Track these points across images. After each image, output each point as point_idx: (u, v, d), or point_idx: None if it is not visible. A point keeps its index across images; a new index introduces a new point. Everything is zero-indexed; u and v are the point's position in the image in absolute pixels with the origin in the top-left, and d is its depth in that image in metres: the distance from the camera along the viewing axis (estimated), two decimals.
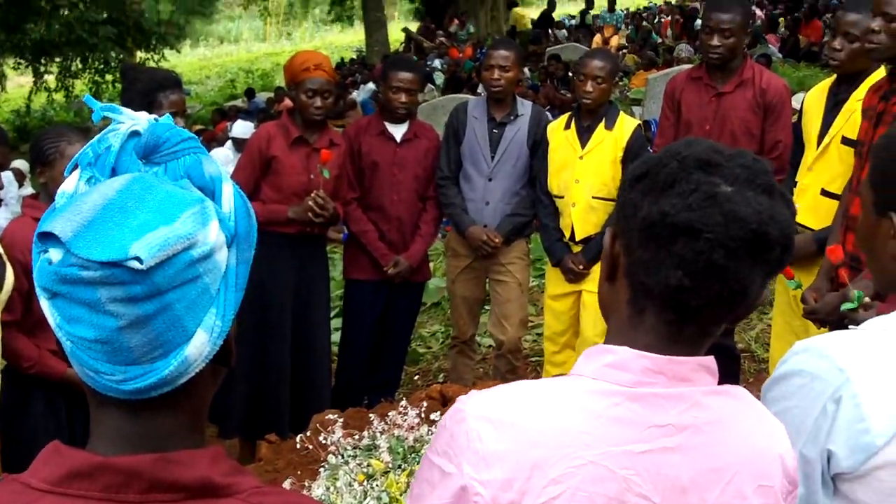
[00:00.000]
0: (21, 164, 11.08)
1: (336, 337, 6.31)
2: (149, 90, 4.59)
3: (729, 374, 5.47)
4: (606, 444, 1.47)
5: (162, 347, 1.20)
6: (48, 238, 1.18)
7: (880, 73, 4.55)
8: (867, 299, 3.54)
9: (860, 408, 1.67)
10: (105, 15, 21.88)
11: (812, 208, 4.80)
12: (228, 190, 1.32)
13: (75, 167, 1.31)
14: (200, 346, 1.23)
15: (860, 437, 1.68)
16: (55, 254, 1.17)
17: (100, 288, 1.15)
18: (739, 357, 5.86)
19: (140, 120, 1.32)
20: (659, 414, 1.49)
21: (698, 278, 1.44)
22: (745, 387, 5.08)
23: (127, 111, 1.34)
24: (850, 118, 4.58)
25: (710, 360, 1.57)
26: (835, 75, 4.82)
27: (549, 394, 1.53)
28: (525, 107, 6.01)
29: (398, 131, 5.89)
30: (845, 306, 3.61)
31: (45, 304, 1.21)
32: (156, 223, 1.18)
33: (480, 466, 1.46)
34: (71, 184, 1.29)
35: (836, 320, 3.78)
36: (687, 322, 1.52)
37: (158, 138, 1.31)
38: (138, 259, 1.14)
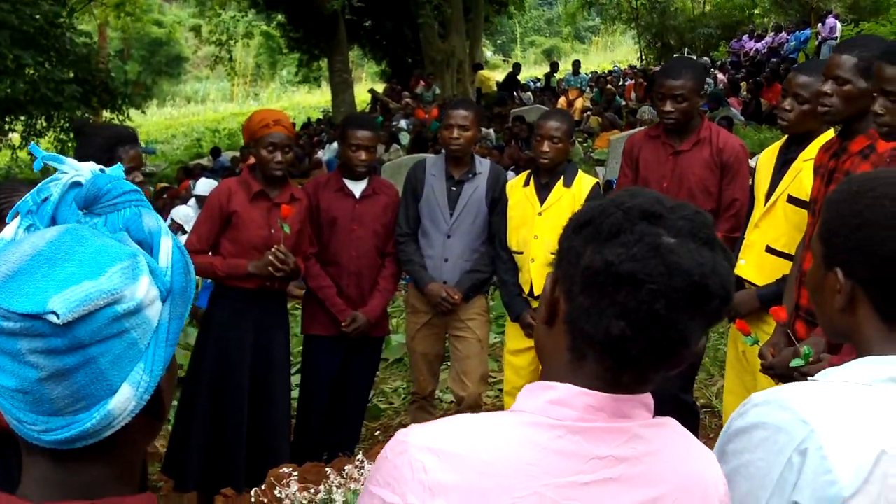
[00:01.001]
0: None
1: (296, 393, 6.28)
2: (108, 145, 4.58)
3: (689, 429, 5.49)
4: (551, 476, 1.49)
5: (85, 400, 1.20)
6: None
7: (829, 134, 4.64)
8: (823, 354, 3.59)
9: (826, 459, 1.67)
10: (71, 74, 21.85)
11: (757, 264, 4.87)
12: (167, 244, 1.33)
13: (16, 215, 1.31)
14: (125, 400, 1.23)
15: (827, 488, 1.68)
16: None
17: (20, 339, 1.16)
18: (699, 413, 5.88)
19: (83, 171, 1.33)
20: (600, 446, 1.52)
21: (639, 328, 1.46)
22: (707, 442, 5.11)
23: (70, 161, 1.34)
24: (797, 177, 4.67)
25: (648, 398, 1.59)
26: (786, 136, 4.90)
27: (492, 426, 1.54)
28: (483, 165, 6.05)
29: (357, 188, 5.91)
30: (794, 363, 3.66)
31: None
32: (81, 277, 1.18)
33: (426, 497, 1.47)
34: (10, 231, 1.29)
35: (792, 375, 3.81)
36: (626, 369, 1.54)
37: (99, 189, 1.31)
38: (55, 313, 1.14)
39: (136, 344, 1.23)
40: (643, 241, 1.47)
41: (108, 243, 1.25)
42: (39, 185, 1.33)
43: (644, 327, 1.46)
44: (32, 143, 1.68)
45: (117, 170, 1.39)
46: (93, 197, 1.31)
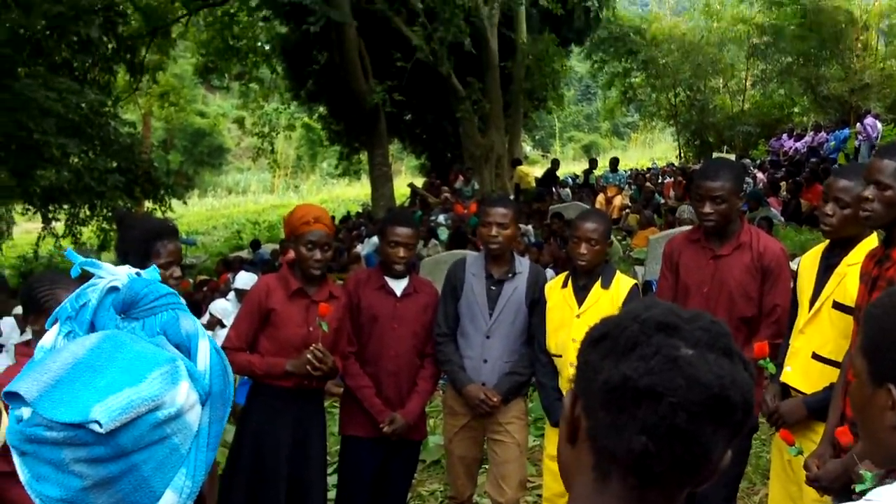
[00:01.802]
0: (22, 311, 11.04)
1: (333, 494, 6.22)
2: (146, 238, 4.61)
3: None
4: None
5: None
6: (16, 397, 1.18)
7: (873, 238, 4.60)
8: (884, 479, 3.51)
9: None
10: (114, 164, 22.13)
11: (803, 372, 4.80)
12: (205, 347, 1.33)
13: (55, 321, 1.32)
14: None
15: None
16: (25, 412, 1.17)
17: (64, 448, 1.15)
18: None
19: (119, 275, 1.33)
20: None
21: (662, 442, 1.45)
22: None
23: (107, 266, 1.35)
24: (842, 282, 4.61)
25: None
26: (828, 240, 4.86)
27: None
28: (523, 265, 6.03)
29: (398, 286, 5.91)
30: (859, 488, 3.57)
31: (16, 462, 1.21)
32: (122, 384, 1.18)
33: None
34: (50, 338, 1.30)
35: (839, 488, 3.74)
36: (651, 487, 1.51)
37: (136, 294, 1.32)
38: (98, 422, 1.13)
39: (177, 449, 1.23)
40: (660, 353, 1.46)
41: (146, 349, 1.25)
42: (77, 290, 1.34)
43: (666, 442, 1.45)
44: (69, 248, 1.70)
45: (153, 272, 1.39)
46: (130, 301, 1.32)
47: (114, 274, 1.34)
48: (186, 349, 1.31)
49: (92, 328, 1.30)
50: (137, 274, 1.36)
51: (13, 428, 1.18)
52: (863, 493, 3.47)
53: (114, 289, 1.32)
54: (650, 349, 1.46)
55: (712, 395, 1.43)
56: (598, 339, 1.55)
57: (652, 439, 1.44)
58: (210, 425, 1.30)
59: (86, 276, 1.51)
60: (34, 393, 1.17)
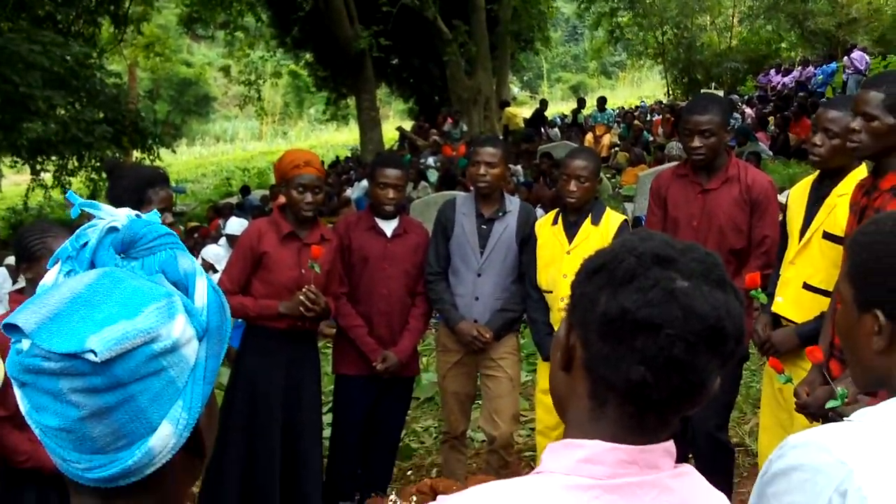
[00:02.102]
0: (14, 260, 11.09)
1: (327, 432, 6.28)
2: (138, 187, 4.62)
3: (724, 468, 5.48)
4: None
5: (126, 438, 1.22)
6: (15, 329, 1.21)
7: (862, 168, 4.62)
8: (859, 395, 3.57)
9: (867, 500, 1.66)
10: (101, 115, 22.03)
11: (794, 302, 4.84)
12: (202, 285, 1.35)
13: (57, 262, 1.35)
14: (165, 437, 1.25)
15: None
16: (25, 343, 1.20)
17: (61, 378, 1.18)
18: (733, 451, 5.84)
19: (119, 216, 1.36)
20: (635, 502, 1.50)
21: (660, 373, 1.47)
22: (741, 481, 5.06)
23: (106, 207, 1.38)
24: (832, 213, 4.64)
25: (671, 445, 1.58)
26: (818, 171, 4.88)
27: (525, 494, 1.52)
28: (513, 203, 6.06)
29: (388, 227, 5.95)
30: (830, 404, 3.64)
31: (17, 393, 1.24)
32: (118, 317, 1.20)
33: None
34: (51, 277, 1.33)
35: (827, 415, 3.79)
36: (648, 413, 1.53)
37: (135, 234, 1.34)
38: (93, 352, 1.16)
39: (174, 382, 1.25)
40: (658, 285, 1.47)
41: (144, 284, 1.27)
42: (77, 231, 1.36)
43: (664, 372, 1.47)
44: (70, 191, 1.71)
45: (154, 215, 1.42)
46: (129, 241, 1.34)
47: (113, 215, 1.36)
48: (184, 287, 1.34)
49: (92, 267, 1.32)
50: (137, 216, 1.38)
51: (13, 359, 1.21)
52: (833, 409, 3.56)
53: (113, 229, 1.34)
54: (647, 281, 1.48)
55: (709, 325, 1.45)
56: (595, 271, 1.55)
57: (650, 370, 1.46)
58: (207, 359, 1.32)
59: (78, 224, 1.54)
60: (32, 325, 1.20)
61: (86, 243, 1.33)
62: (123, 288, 1.25)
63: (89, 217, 1.37)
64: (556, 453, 1.57)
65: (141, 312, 1.22)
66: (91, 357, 1.16)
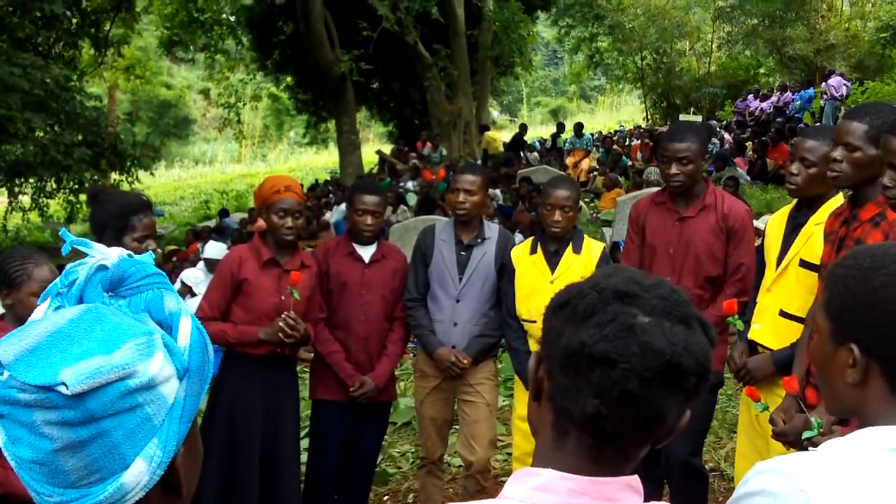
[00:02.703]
0: None
1: (304, 457, 6.27)
2: (122, 213, 4.63)
3: (698, 493, 5.49)
4: None
5: (98, 473, 1.23)
6: None
7: (839, 198, 4.66)
8: (834, 426, 3.60)
9: None
10: (80, 137, 21.99)
11: (771, 329, 4.88)
12: (186, 325, 1.37)
13: (46, 298, 1.36)
14: (138, 474, 1.26)
15: None
16: (5, 374, 1.22)
17: (35, 410, 1.19)
18: (707, 477, 5.85)
19: (109, 255, 1.37)
20: None
21: (614, 406, 1.49)
22: None
23: (97, 246, 1.39)
24: (808, 241, 4.68)
25: (635, 480, 1.59)
26: (795, 199, 4.92)
27: None
28: (492, 229, 6.08)
29: (366, 252, 5.96)
30: (806, 434, 3.67)
31: None
32: (95, 352, 1.22)
33: None
34: (40, 313, 1.34)
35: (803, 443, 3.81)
36: (606, 446, 1.55)
37: (124, 272, 1.35)
38: (65, 384, 1.18)
39: (150, 419, 1.26)
40: (616, 321, 1.50)
41: (125, 322, 1.28)
42: (67, 268, 1.38)
43: (619, 406, 1.49)
44: (63, 228, 1.72)
45: (148, 257, 1.43)
46: (118, 280, 1.35)
47: (104, 253, 1.38)
48: (168, 326, 1.35)
49: (80, 304, 1.34)
50: (129, 255, 1.40)
51: None
52: (809, 440, 3.59)
53: (102, 267, 1.36)
54: (606, 317, 1.50)
55: (665, 361, 1.47)
56: (561, 306, 1.59)
57: (604, 403, 1.49)
58: (186, 399, 1.33)
59: (58, 250, 1.55)
60: (10, 356, 1.21)
61: (75, 280, 1.35)
62: (104, 324, 1.26)
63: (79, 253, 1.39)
64: (518, 480, 1.60)
65: (118, 348, 1.23)
66: (63, 390, 1.18)
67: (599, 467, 1.57)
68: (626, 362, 1.47)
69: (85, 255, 1.40)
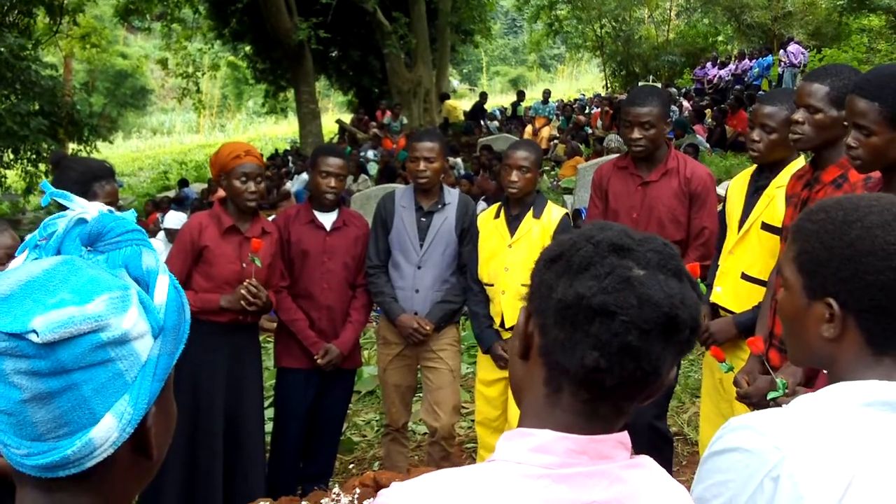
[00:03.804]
0: None
1: (269, 426, 6.26)
2: (84, 180, 4.60)
3: (663, 456, 5.52)
4: None
5: (67, 427, 1.22)
6: None
7: (800, 160, 4.68)
8: (798, 386, 3.63)
9: (797, 487, 1.68)
10: (36, 107, 21.79)
11: (733, 292, 4.90)
12: (164, 283, 1.34)
13: (24, 251, 1.34)
14: (107, 430, 1.24)
15: None
16: None
17: (5, 359, 1.18)
18: (672, 440, 5.90)
19: (89, 209, 1.35)
20: (584, 492, 1.51)
21: (613, 359, 1.48)
22: (679, 469, 5.10)
23: (78, 199, 1.37)
24: (770, 204, 4.70)
25: (625, 436, 1.60)
26: (756, 164, 4.94)
27: (476, 482, 1.53)
28: (452, 195, 6.07)
29: (328, 220, 5.93)
30: (771, 395, 3.69)
31: None
32: (68, 302, 1.20)
33: None
34: (17, 264, 1.32)
35: (767, 404, 3.83)
36: (602, 401, 1.55)
37: (103, 227, 1.33)
38: (35, 332, 1.16)
39: (121, 375, 1.24)
40: (614, 273, 1.49)
41: (101, 275, 1.27)
42: (45, 220, 1.37)
43: (618, 358, 1.48)
44: (44, 180, 1.72)
45: (131, 214, 1.41)
46: (96, 234, 1.33)
47: (83, 207, 1.36)
48: (145, 283, 1.33)
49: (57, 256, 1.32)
50: (109, 211, 1.37)
51: None
52: (774, 401, 3.61)
53: (82, 220, 1.34)
54: (604, 269, 1.50)
55: (663, 313, 1.47)
56: (553, 259, 1.58)
57: (604, 355, 1.48)
58: (160, 357, 1.31)
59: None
60: None
61: (53, 232, 1.33)
62: (80, 276, 1.25)
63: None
64: (510, 441, 1.58)
65: (92, 300, 1.21)
66: (33, 337, 1.16)
67: (593, 423, 1.57)
68: (625, 314, 1.47)
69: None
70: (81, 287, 1.23)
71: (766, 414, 1.84)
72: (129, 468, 1.34)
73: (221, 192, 5.73)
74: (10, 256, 4.15)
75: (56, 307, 1.19)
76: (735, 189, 5.05)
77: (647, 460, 1.64)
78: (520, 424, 1.63)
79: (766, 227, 4.69)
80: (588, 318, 1.49)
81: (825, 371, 1.99)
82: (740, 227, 4.86)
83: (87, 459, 1.25)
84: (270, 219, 6.12)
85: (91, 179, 4.64)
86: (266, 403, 6.19)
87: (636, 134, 5.39)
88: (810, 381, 3.65)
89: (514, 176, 5.64)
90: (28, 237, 1.36)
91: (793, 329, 2.03)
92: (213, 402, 5.46)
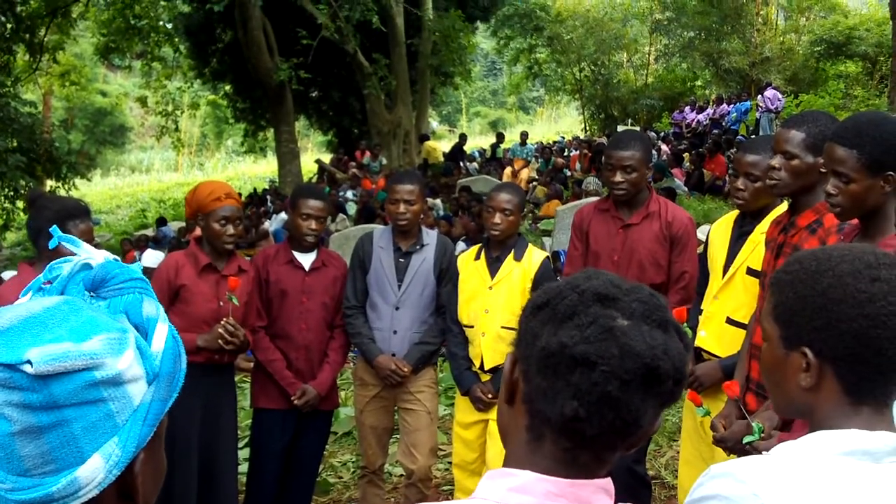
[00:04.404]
0: None
1: (244, 467, 6.21)
2: (59, 218, 4.59)
3: (641, 501, 5.51)
4: None
5: (54, 463, 1.22)
6: None
7: (784, 206, 4.70)
8: (773, 431, 3.63)
9: None
10: (15, 144, 21.78)
11: (718, 336, 4.91)
12: (162, 331, 1.36)
13: (28, 293, 1.35)
14: (94, 470, 1.24)
15: None
16: None
17: None
18: (650, 484, 5.89)
19: (95, 256, 1.36)
20: None
21: (593, 408, 1.49)
22: None
23: (86, 245, 1.38)
24: (755, 249, 4.72)
25: (608, 483, 1.59)
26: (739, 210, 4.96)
27: None
28: (430, 236, 6.07)
29: (307, 260, 5.91)
30: (747, 439, 3.71)
31: None
32: (65, 339, 1.20)
33: None
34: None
35: (743, 448, 3.84)
36: (582, 449, 1.55)
37: (107, 274, 1.35)
38: (30, 363, 1.15)
39: (112, 416, 1.25)
40: (597, 323, 1.50)
41: (100, 317, 1.29)
42: (51, 264, 1.38)
43: (597, 408, 1.48)
44: (54, 226, 1.72)
45: (138, 267, 1.43)
46: (100, 280, 1.35)
47: (90, 253, 1.37)
48: (144, 330, 1.34)
49: None
50: (115, 259, 1.38)
51: None
52: (750, 444, 3.63)
53: (87, 266, 1.35)
54: (587, 318, 1.50)
55: (643, 364, 1.47)
56: (539, 307, 1.59)
57: (583, 405, 1.48)
58: (152, 403, 1.32)
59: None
60: None
61: (57, 275, 1.34)
62: (79, 316, 1.26)
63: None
64: (492, 480, 1.59)
65: (89, 339, 1.23)
66: (28, 368, 1.16)
67: (574, 471, 1.56)
68: (606, 364, 1.47)
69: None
70: (80, 326, 1.24)
71: (746, 461, 1.84)
72: None
73: (198, 231, 5.71)
74: None
75: (53, 342, 1.19)
76: (718, 234, 5.07)
77: None
78: (504, 466, 1.62)
79: (752, 272, 4.71)
80: (569, 367, 1.49)
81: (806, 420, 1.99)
82: (725, 271, 4.88)
83: (70, 499, 1.24)
84: (248, 258, 6.10)
85: (66, 218, 4.63)
86: (241, 443, 6.14)
87: (618, 177, 5.41)
88: (787, 426, 3.65)
89: (497, 218, 5.64)
90: (32, 282, 1.36)
91: (773, 380, 2.04)
92: (188, 441, 5.40)
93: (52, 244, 1.46)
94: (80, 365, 1.20)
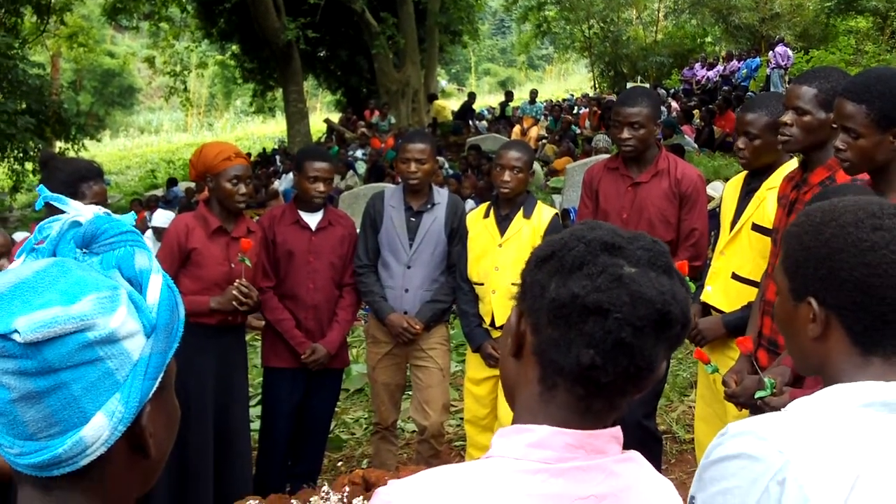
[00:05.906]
0: None
1: (256, 425, 6.25)
2: (72, 181, 4.59)
3: (652, 455, 5.51)
4: None
5: (58, 426, 1.22)
6: None
7: (793, 162, 4.69)
8: (785, 387, 3.64)
9: (803, 489, 1.69)
10: (24, 106, 21.74)
11: (723, 291, 4.92)
12: (156, 282, 1.34)
13: (22, 256, 1.35)
14: (98, 429, 1.24)
15: None
16: None
17: None
18: (661, 439, 5.91)
19: (84, 212, 1.35)
20: (581, 486, 1.53)
21: (608, 356, 1.50)
22: (668, 467, 5.11)
23: (73, 203, 1.37)
24: (760, 206, 4.71)
25: (618, 431, 1.61)
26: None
27: (475, 478, 1.54)
28: (441, 195, 6.08)
29: (313, 220, 5.93)
30: (759, 394, 3.70)
31: None
32: (54, 303, 1.20)
33: None
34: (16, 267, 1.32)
35: (755, 404, 3.85)
36: (596, 397, 1.56)
37: (97, 229, 1.33)
38: (17, 332, 1.16)
39: (112, 374, 1.24)
40: (606, 272, 1.51)
41: (91, 276, 1.27)
42: (40, 224, 1.37)
43: (612, 355, 1.50)
44: (40, 185, 1.71)
45: (130, 217, 1.42)
46: (91, 236, 1.33)
47: (78, 210, 1.36)
48: (138, 283, 1.33)
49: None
50: (105, 213, 1.38)
51: None
52: (762, 399, 3.63)
53: (76, 223, 1.34)
54: (596, 268, 1.51)
55: (655, 309, 1.49)
56: (545, 259, 1.59)
57: (599, 353, 1.50)
58: (151, 356, 1.31)
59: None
60: None
61: (48, 236, 1.34)
62: (69, 277, 1.25)
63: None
64: (506, 438, 1.60)
65: (78, 300, 1.22)
66: (16, 337, 1.16)
67: (587, 419, 1.58)
68: (618, 312, 1.49)
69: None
70: (69, 288, 1.23)
71: (765, 419, 1.84)
72: (127, 467, 1.34)
73: (206, 193, 5.70)
74: (2, 255, 4.15)
75: (41, 308, 1.19)
76: (730, 191, 5.07)
77: (636, 455, 1.65)
78: (514, 422, 1.64)
79: (757, 227, 4.70)
80: (582, 317, 1.50)
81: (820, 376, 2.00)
82: (732, 227, 4.88)
83: (79, 458, 1.25)
84: (256, 219, 6.10)
85: (79, 180, 4.63)
86: (253, 402, 6.18)
87: (626, 134, 5.40)
88: (798, 382, 3.66)
89: (507, 176, 5.65)
90: (24, 243, 1.36)
91: (787, 333, 2.05)
92: (202, 402, 5.44)
93: (38, 204, 1.45)
94: (71, 328, 1.19)
